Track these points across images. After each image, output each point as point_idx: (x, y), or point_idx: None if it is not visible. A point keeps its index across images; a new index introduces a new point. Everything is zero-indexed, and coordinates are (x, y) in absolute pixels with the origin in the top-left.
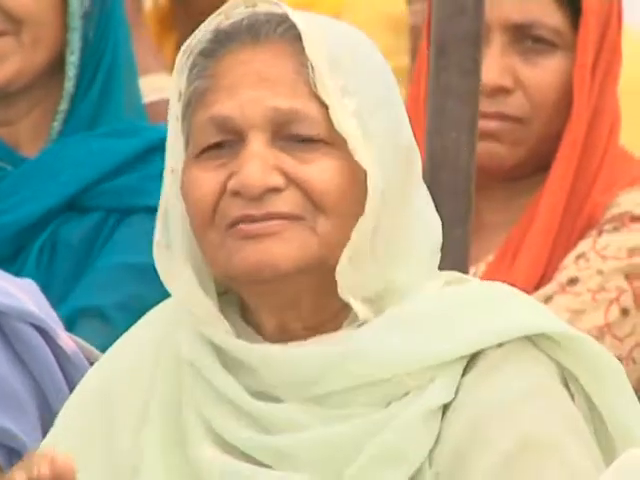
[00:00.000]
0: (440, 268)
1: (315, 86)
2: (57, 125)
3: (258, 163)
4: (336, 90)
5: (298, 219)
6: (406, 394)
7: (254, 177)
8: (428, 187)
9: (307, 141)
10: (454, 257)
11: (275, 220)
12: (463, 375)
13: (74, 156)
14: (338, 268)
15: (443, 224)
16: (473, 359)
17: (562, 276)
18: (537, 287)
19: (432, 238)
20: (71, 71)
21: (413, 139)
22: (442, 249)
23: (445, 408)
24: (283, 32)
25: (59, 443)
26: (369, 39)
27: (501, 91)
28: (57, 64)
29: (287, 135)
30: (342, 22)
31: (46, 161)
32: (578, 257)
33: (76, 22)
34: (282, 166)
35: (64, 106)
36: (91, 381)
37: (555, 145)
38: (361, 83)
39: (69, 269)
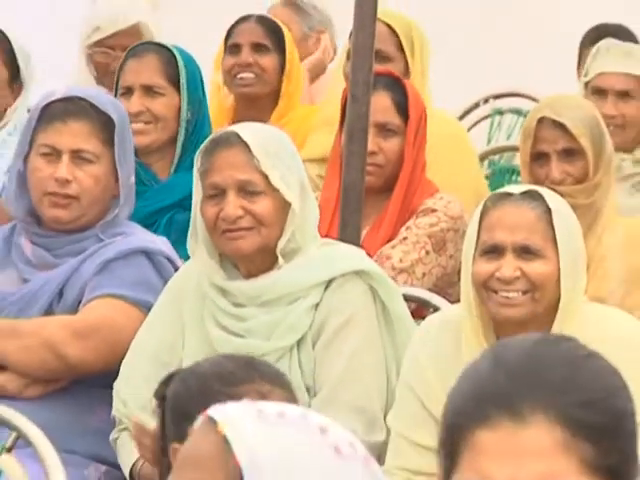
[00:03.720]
0: (346, 236)
1: (260, 167)
2: (173, 167)
3: (232, 206)
4: (271, 168)
5: (252, 229)
6: (298, 299)
7: (230, 213)
8: (343, 199)
9: (254, 193)
10: (354, 229)
11: (242, 231)
12: (325, 290)
13: (181, 182)
14: (279, 245)
15: (348, 215)
16: (330, 282)
17: (400, 236)
18: (388, 242)
19: (316, 219)
20: (180, 141)
21: (306, 178)
22: (348, 227)
23: (316, 306)
24: (240, 141)
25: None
26: (282, 133)
27: (374, 153)
28: (173, 138)
29: (245, 190)
30: (267, 126)
31: (168, 184)
32: (407, 228)
33: (184, 122)
34: (244, 206)
35: (176, 159)
36: (170, 286)
37: (397, 179)
38: (281, 161)
39: (176, 236)
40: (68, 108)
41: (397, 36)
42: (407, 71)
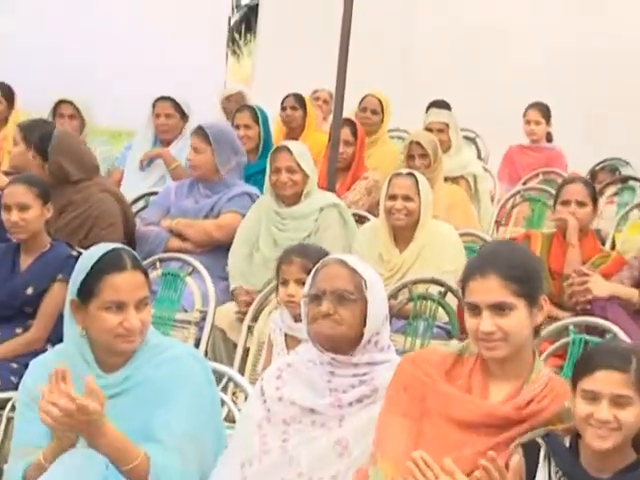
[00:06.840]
0: (328, 189)
1: (296, 159)
2: (257, 157)
3: (283, 177)
4: (300, 160)
5: (291, 186)
6: (308, 215)
7: (283, 180)
8: (327, 173)
9: (293, 171)
10: (332, 186)
11: (286, 186)
12: (320, 212)
13: (260, 164)
14: (303, 193)
15: (329, 180)
16: (322, 208)
17: (352, 189)
18: (347, 191)
19: (316, 182)
20: (260, 147)
21: (314, 165)
22: (329, 184)
23: (316, 219)
24: (287, 149)
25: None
26: (304, 145)
27: (342, 153)
28: (257, 146)
29: (289, 170)
30: (298, 142)
31: (255, 165)
32: (355, 185)
33: (262, 139)
34: (289, 177)
35: (259, 154)
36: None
37: (351, 165)
38: (304, 157)
39: (258, 186)
40: (203, 130)
41: (381, 103)
42: (383, 120)
